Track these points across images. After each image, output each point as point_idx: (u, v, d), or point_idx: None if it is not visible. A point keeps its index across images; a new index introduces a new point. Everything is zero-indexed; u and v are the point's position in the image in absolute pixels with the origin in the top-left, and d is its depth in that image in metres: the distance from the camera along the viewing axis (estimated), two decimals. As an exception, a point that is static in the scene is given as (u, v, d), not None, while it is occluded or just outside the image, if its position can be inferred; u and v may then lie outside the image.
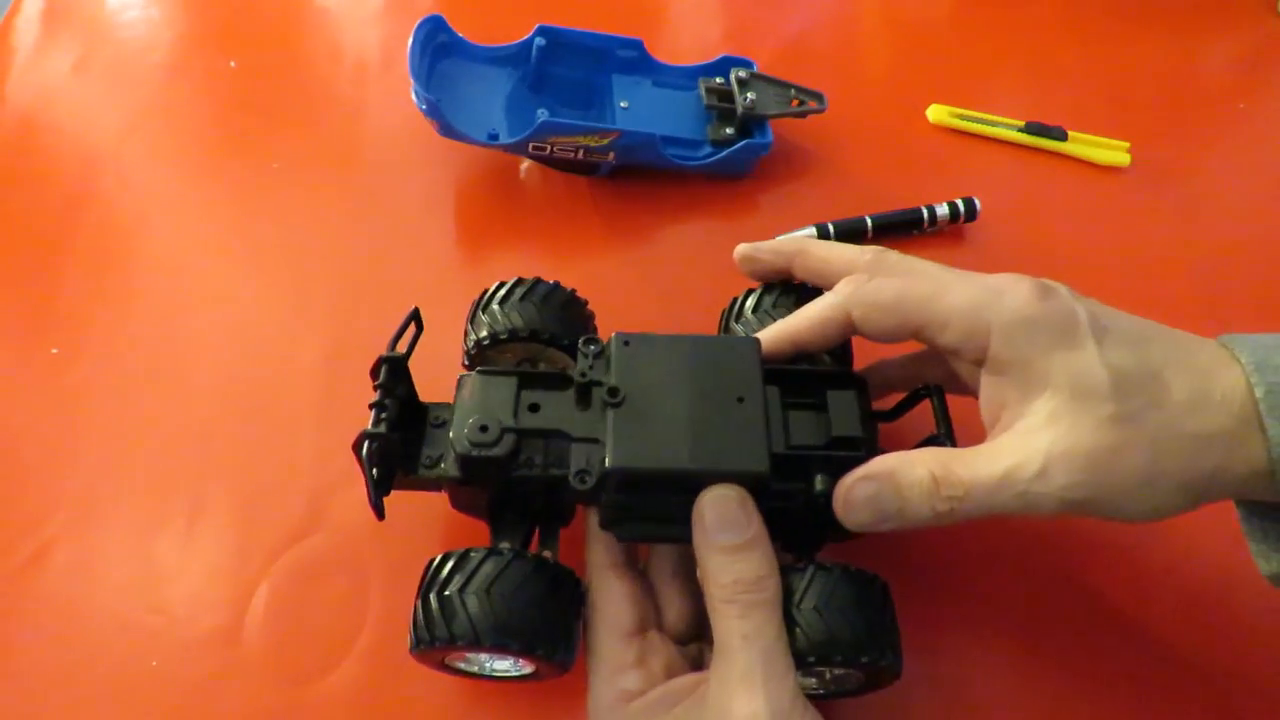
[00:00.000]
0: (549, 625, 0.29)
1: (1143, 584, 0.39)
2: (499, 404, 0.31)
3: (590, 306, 0.38)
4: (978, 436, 0.31)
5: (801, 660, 0.28)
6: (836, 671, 0.31)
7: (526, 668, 0.31)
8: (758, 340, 0.33)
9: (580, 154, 0.48)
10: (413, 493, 0.33)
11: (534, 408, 0.31)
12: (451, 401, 0.32)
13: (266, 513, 0.39)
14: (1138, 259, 0.50)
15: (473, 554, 0.29)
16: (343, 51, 0.58)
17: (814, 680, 0.32)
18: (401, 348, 0.32)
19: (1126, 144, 0.54)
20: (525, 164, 0.52)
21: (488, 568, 0.29)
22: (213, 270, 0.47)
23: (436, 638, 0.28)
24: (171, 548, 0.38)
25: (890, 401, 0.35)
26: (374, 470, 0.29)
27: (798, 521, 0.33)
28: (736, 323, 0.37)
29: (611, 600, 0.31)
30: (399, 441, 0.31)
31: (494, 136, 0.49)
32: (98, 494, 0.40)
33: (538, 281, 0.37)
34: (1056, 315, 0.29)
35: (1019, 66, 0.61)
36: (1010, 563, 0.39)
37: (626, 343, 0.32)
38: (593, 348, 0.32)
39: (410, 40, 0.47)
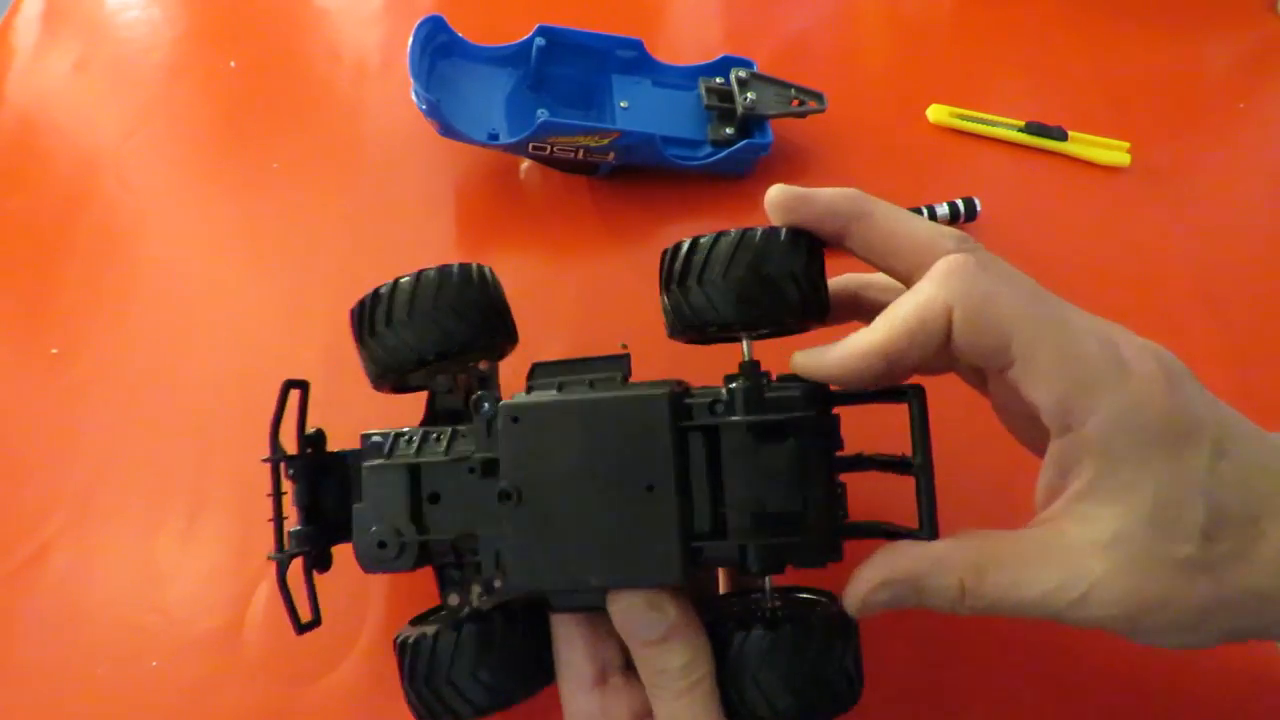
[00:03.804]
0: (524, 674, 0.29)
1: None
2: (394, 505, 0.29)
3: (589, 306, 0.38)
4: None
5: None
6: None
7: None
8: (666, 397, 0.27)
9: (580, 154, 0.48)
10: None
11: (434, 498, 0.29)
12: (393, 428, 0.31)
13: (266, 513, 0.39)
14: (1138, 259, 0.50)
15: (441, 636, 0.28)
16: (342, 51, 0.58)
17: None
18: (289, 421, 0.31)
19: (1126, 144, 0.54)
20: (525, 164, 0.52)
21: (466, 643, 0.28)
22: (213, 270, 0.47)
23: None
24: (171, 548, 0.38)
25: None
26: (290, 593, 0.30)
27: None
28: (698, 284, 0.28)
29: (574, 651, 0.30)
30: (324, 527, 0.31)
31: (494, 136, 0.49)
32: (98, 494, 0.40)
33: (420, 275, 0.31)
34: (1178, 416, 0.24)
35: (1019, 66, 0.61)
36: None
37: (515, 419, 0.28)
38: (486, 408, 0.29)
39: (410, 40, 0.47)
